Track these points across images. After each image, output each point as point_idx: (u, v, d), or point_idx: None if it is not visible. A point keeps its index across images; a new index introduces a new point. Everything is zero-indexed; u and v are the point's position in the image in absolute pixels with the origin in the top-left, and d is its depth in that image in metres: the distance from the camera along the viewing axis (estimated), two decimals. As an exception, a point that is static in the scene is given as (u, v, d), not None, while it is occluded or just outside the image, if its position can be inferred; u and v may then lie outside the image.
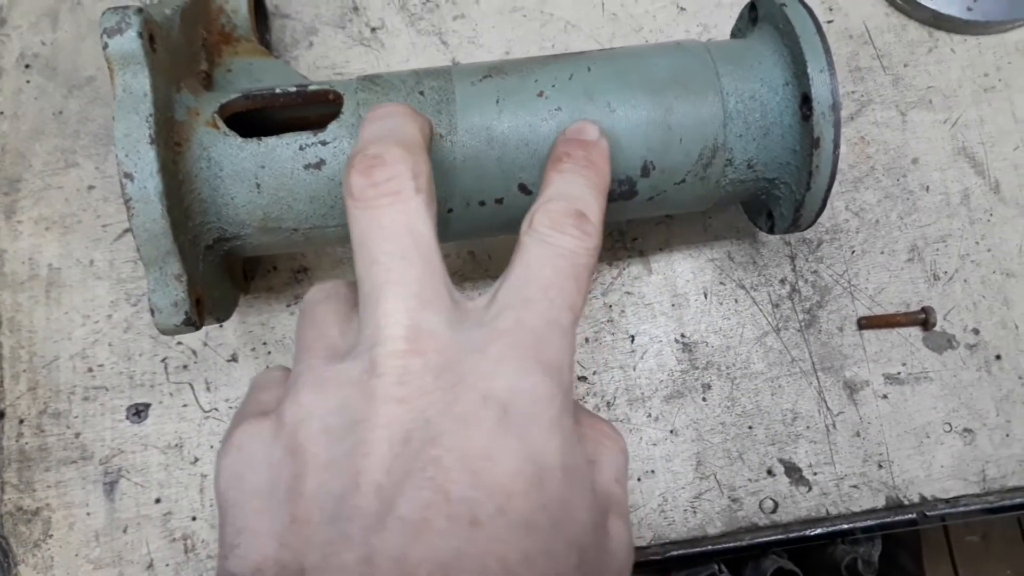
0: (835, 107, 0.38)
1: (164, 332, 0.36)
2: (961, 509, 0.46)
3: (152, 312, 0.35)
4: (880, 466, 0.46)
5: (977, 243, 0.49)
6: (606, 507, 0.27)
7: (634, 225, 0.48)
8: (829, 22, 0.51)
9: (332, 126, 0.37)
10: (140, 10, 0.34)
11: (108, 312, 0.47)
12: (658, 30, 0.51)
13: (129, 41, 0.34)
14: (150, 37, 0.35)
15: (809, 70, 0.38)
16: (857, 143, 0.50)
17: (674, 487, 0.45)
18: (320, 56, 0.51)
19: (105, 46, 0.34)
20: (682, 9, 0.52)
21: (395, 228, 0.27)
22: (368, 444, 0.24)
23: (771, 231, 0.43)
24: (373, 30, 0.51)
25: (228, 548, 0.26)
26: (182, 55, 0.39)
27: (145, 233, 0.34)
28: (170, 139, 0.36)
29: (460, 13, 0.51)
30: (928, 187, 0.49)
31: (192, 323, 0.36)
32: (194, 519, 0.44)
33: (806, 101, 0.38)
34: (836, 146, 0.38)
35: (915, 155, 0.50)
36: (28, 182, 0.49)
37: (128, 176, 0.33)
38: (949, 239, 0.49)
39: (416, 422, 0.24)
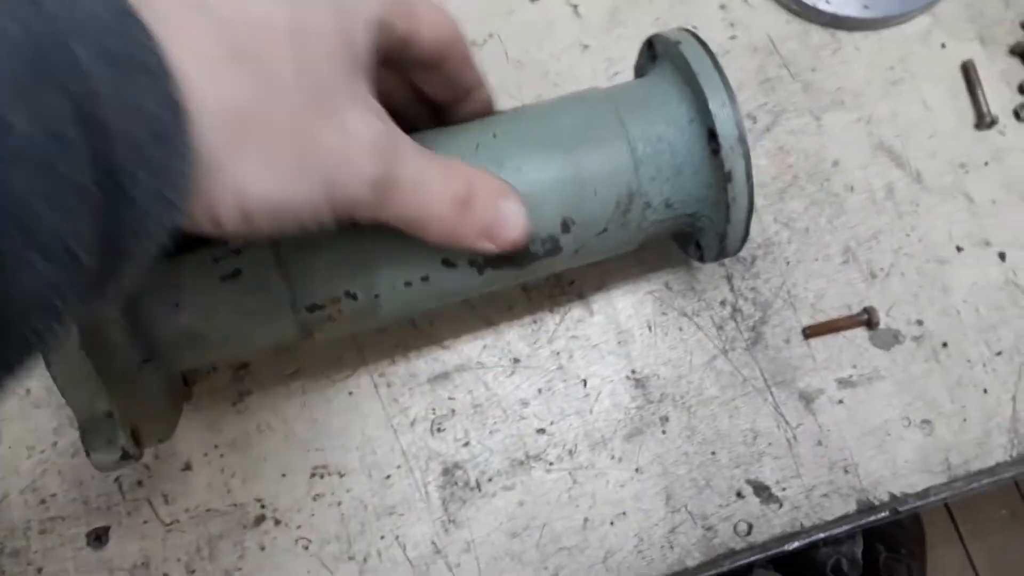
0: (741, 139, 0.38)
1: (103, 470, 0.35)
2: (932, 499, 0.47)
3: (87, 453, 0.34)
4: (846, 471, 0.46)
5: (908, 235, 0.49)
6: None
7: (571, 269, 0.48)
8: (732, 38, 0.52)
9: (244, 233, 0.37)
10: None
11: (53, 439, 0.46)
12: (564, 72, 0.51)
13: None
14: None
15: (711, 106, 0.38)
16: (776, 154, 0.50)
17: (647, 525, 0.45)
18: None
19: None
20: (585, 47, 0.52)
21: None
22: None
23: (701, 260, 0.44)
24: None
25: None
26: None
27: (67, 380, 0.33)
28: (80, 274, 0.35)
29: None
30: (852, 187, 0.50)
31: (130, 456, 0.35)
32: (171, 637, 0.44)
33: (713, 137, 0.38)
34: (748, 176, 0.38)
35: (835, 157, 0.50)
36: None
37: (41, 323, 0.33)
38: (880, 235, 0.49)
39: None
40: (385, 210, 0.31)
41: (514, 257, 0.39)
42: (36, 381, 0.46)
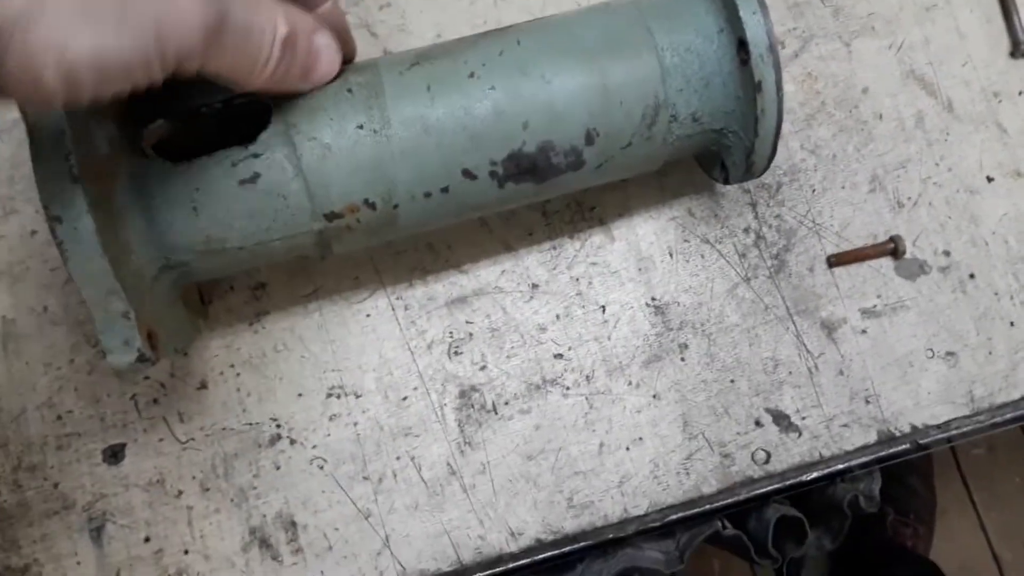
0: (772, 48, 0.37)
1: (120, 372, 0.35)
2: (954, 432, 0.46)
3: (105, 354, 0.34)
4: (867, 401, 0.46)
5: (937, 164, 0.48)
6: None
7: (590, 194, 0.47)
8: (761, -40, 0.50)
9: (263, 137, 0.36)
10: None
11: (69, 357, 0.45)
12: (589, -8, 0.50)
13: (36, 77, 0.32)
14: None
15: (741, 14, 0.37)
16: (804, 80, 0.49)
17: (664, 451, 0.45)
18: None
19: (13, 88, 0.32)
20: (610, -33, 0.50)
21: None
22: None
23: (726, 181, 0.43)
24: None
25: None
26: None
27: (84, 275, 0.33)
28: (96, 173, 0.34)
29: (386, 2, 0.50)
30: (881, 115, 0.49)
31: (146, 359, 0.35)
32: (186, 552, 0.44)
33: (743, 46, 0.37)
34: (779, 87, 0.37)
35: (864, 84, 0.49)
36: (-31, 235, 0.48)
37: (56, 219, 0.32)
38: (908, 164, 0.48)
39: None
40: (216, 59, 0.29)
41: (535, 169, 0.38)
42: (54, 298, 0.46)
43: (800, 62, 0.49)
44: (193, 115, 0.38)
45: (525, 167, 0.38)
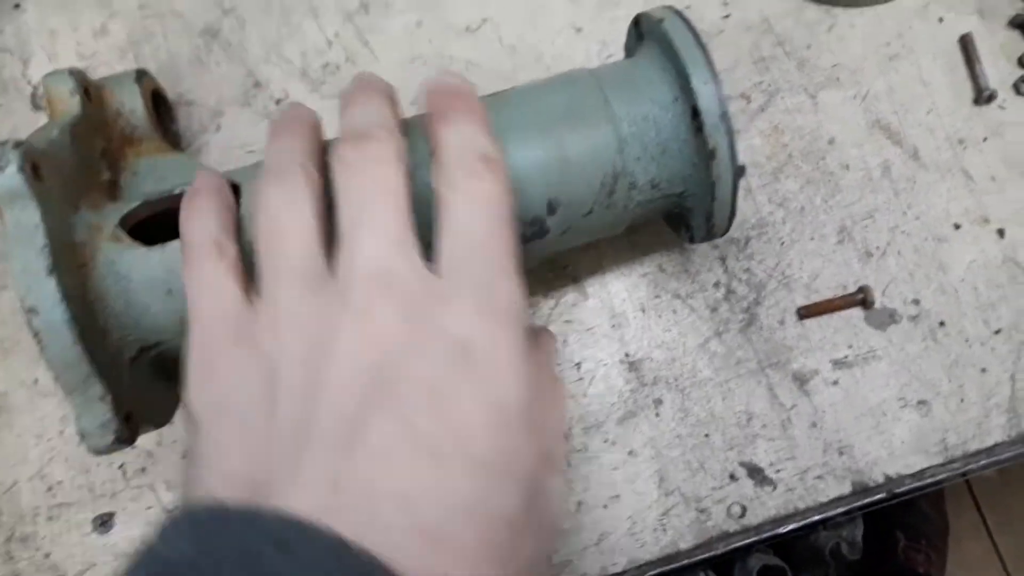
0: (724, 116, 0.38)
1: (98, 454, 0.36)
2: (928, 480, 0.46)
3: (81, 437, 0.35)
4: (841, 453, 0.46)
5: (904, 213, 0.49)
6: (550, 460, 0.28)
7: (564, 253, 0.48)
8: (726, 17, 0.52)
9: (231, 220, 0.37)
10: (18, 143, 0.35)
11: (59, 428, 0.47)
12: (558, 55, 0.51)
13: (9, 178, 0.34)
14: (33, 168, 0.35)
15: (693, 83, 0.38)
16: (771, 133, 0.50)
17: (640, 508, 0.45)
18: (230, 136, 0.51)
19: (-13, 185, 0.34)
20: (579, 30, 0.52)
21: (380, 183, 0.29)
22: (340, 374, 0.26)
23: (692, 241, 0.44)
24: (277, 102, 0.51)
25: (200, 459, 0.27)
26: (78, 172, 0.40)
27: (60, 363, 0.34)
28: (72, 263, 0.36)
29: (361, 70, 0.51)
30: (848, 165, 0.49)
31: (124, 440, 0.36)
32: (175, 619, 0.45)
33: (696, 114, 0.38)
34: (733, 154, 0.38)
35: (830, 135, 0.50)
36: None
37: (33, 311, 0.33)
38: (876, 214, 0.49)
39: (386, 357, 0.26)
40: None
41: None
42: (43, 371, 0.48)
43: (767, 116, 0.50)
44: (169, 197, 0.39)
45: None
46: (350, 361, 0.26)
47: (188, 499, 0.28)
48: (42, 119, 0.52)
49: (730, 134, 0.38)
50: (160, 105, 0.49)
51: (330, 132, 0.49)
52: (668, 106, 0.39)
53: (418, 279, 0.28)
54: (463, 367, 0.26)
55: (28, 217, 0.34)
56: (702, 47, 0.39)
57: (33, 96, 0.53)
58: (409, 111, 0.50)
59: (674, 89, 0.39)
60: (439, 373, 0.26)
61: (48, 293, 0.33)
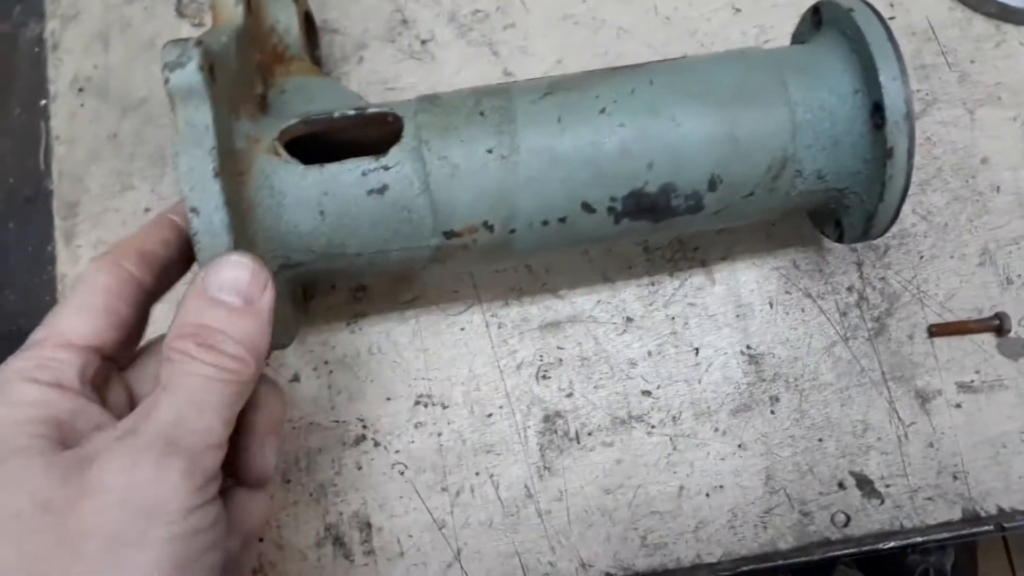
0: (909, 116, 0.37)
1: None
2: (1041, 520, 0.45)
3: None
4: (955, 477, 0.45)
5: (1052, 244, 0.47)
6: None
7: (695, 235, 0.47)
8: (891, 19, 0.50)
9: (394, 151, 0.37)
10: (199, 42, 0.34)
11: (170, 335, 0.47)
12: (713, 33, 0.50)
13: (190, 75, 0.33)
14: (210, 68, 0.34)
15: (881, 78, 0.37)
16: (923, 144, 0.48)
17: (743, 502, 0.45)
18: (371, 71, 0.50)
19: (166, 80, 0.33)
20: (737, 10, 0.50)
21: None
22: None
23: (839, 240, 0.42)
24: (423, 43, 0.50)
25: None
26: (239, 81, 0.39)
27: None
28: (232, 169, 0.35)
29: (510, 22, 0.50)
30: (999, 187, 0.48)
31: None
32: (260, 540, 0.45)
33: (878, 110, 0.37)
34: (911, 155, 0.37)
35: (984, 154, 0.48)
36: (86, 206, 0.49)
37: (194, 211, 0.33)
38: (1022, 241, 0.47)
39: None
40: None
41: (654, 208, 0.38)
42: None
43: (920, 125, 0.48)
44: (328, 119, 0.39)
45: (645, 206, 0.38)
46: None
47: None
48: (184, 26, 0.52)
49: (911, 135, 0.37)
50: (309, 27, 0.48)
51: (471, 78, 0.49)
52: (847, 97, 0.38)
53: None
54: None
55: (201, 117, 0.34)
56: (893, 42, 0.37)
57: (179, 3, 0.52)
58: (555, 71, 0.49)
59: (856, 81, 0.38)
60: None
61: (212, 195, 0.33)
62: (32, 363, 0.31)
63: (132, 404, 0.34)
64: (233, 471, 0.34)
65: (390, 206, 0.37)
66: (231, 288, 0.32)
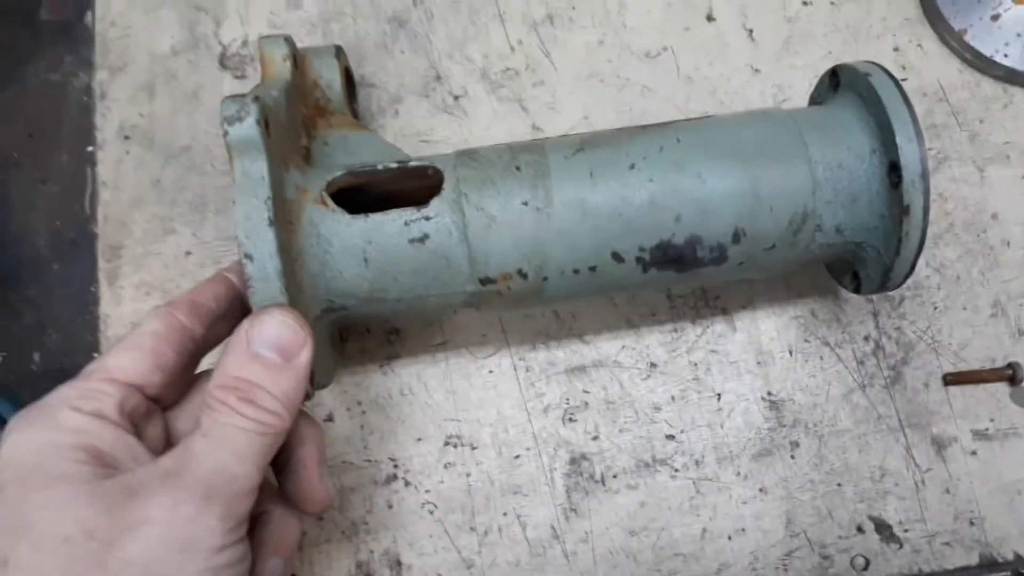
0: (924, 175, 0.39)
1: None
2: (1056, 567, 0.46)
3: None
4: (972, 523, 0.46)
5: (1062, 297, 0.49)
6: None
7: (718, 284, 0.49)
8: (904, 80, 0.52)
9: (435, 202, 0.39)
10: (257, 98, 0.36)
11: (209, 375, 0.48)
12: (733, 92, 0.52)
13: (248, 128, 0.36)
14: (265, 122, 0.37)
15: (898, 139, 0.39)
16: (935, 200, 0.50)
17: (764, 545, 0.46)
18: (406, 124, 0.53)
19: (225, 133, 0.36)
20: (756, 71, 0.53)
21: None
22: None
23: (857, 291, 0.44)
24: (456, 98, 0.53)
25: None
26: (288, 134, 0.41)
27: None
28: (283, 218, 0.37)
29: (539, 80, 0.53)
30: (1009, 242, 0.50)
31: (308, 396, 0.37)
32: (294, 577, 0.46)
33: (895, 169, 0.39)
34: (926, 212, 0.39)
35: (994, 210, 0.50)
36: (129, 249, 0.51)
37: (249, 257, 0.35)
38: (1033, 293, 0.49)
39: None
40: None
41: (681, 259, 0.40)
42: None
43: (933, 182, 0.50)
44: (371, 171, 0.41)
45: (672, 257, 0.40)
46: None
47: None
48: (227, 79, 0.55)
49: (927, 193, 0.39)
50: (348, 82, 0.51)
51: (502, 132, 0.52)
52: (865, 156, 0.40)
53: None
54: None
55: (257, 169, 0.36)
56: (909, 105, 0.39)
57: (222, 56, 0.55)
58: (581, 127, 0.52)
59: (873, 141, 0.40)
60: None
61: (266, 243, 0.35)
62: (76, 392, 0.33)
63: (168, 438, 0.36)
64: (297, 504, 0.37)
65: (430, 254, 0.39)
66: (273, 345, 0.34)
